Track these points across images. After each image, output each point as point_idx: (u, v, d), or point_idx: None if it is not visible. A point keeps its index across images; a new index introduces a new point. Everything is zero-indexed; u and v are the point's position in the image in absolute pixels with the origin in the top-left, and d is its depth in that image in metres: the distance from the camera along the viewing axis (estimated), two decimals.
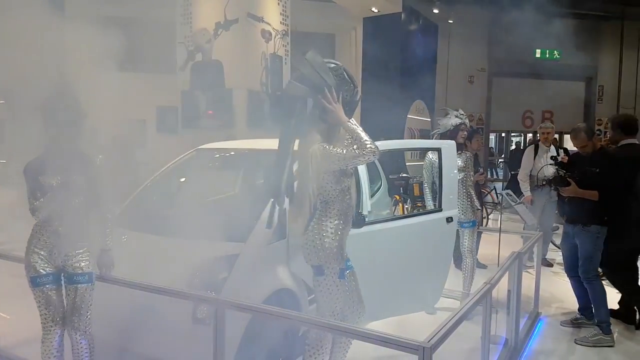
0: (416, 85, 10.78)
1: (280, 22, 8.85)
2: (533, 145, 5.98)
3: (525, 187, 5.70)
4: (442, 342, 1.92)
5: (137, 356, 2.79)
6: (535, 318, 4.24)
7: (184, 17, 8.37)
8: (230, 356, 2.52)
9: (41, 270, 2.52)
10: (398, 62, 10.48)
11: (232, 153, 4.01)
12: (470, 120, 17.77)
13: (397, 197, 6.21)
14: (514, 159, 11.25)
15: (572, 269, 4.07)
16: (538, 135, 6.02)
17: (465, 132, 4.30)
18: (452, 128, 4.30)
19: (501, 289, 3.28)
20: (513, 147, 16.20)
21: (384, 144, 3.62)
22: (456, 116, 4.32)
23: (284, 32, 8.90)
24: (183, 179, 3.68)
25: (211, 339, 2.37)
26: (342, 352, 2.68)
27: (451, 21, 13.64)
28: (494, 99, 16.03)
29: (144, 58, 6.65)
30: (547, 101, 15.62)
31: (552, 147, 5.90)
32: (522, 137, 16.91)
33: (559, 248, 6.81)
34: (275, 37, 8.68)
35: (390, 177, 6.50)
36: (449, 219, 3.61)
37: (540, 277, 4.33)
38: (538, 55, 15.75)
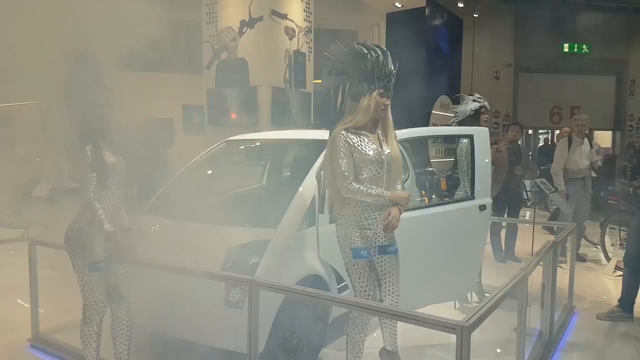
0: (441, 81, 10.64)
1: (304, 19, 8.87)
2: (567, 137, 5.82)
3: (559, 180, 5.54)
4: (481, 323, 1.89)
5: (169, 339, 2.83)
6: (569, 311, 4.12)
7: (209, 17, 8.49)
8: (262, 340, 2.53)
9: (101, 253, 2.52)
10: (422, 57, 10.36)
11: (261, 144, 4.04)
12: (495, 117, 17.11)
13: (423, 192, 6.13)
14: (543, 156, 11.03)
15: (634, 260, 3.97)
16: (572, 127, 5.84)
17: (487, 116, 3.99)
18: (472, 113, 3.98)
19: (535, 282, 3.20)
20: (541, 143, 15.81)
21: (414, 131, 3.58)
22: (474, 100, 4.00)
23: (307, 29, 8.91)
24: (214, 169, 3.72)
25: (239, 322, 2.39)
26: (390, 332, 2.67)
27: (476, 15, 13.41)
28: (521, 94, 15.69)
29: (171, 58, 6.76)
30: (576, 97, 15.20)
31: (586, 139, 5.73)
32: (550, 134, 16.49)
33: (592, 244, 6.64)
34: (298, 34, 8.70)
35: (416, 171, 6.43)
36: (482, 207, 3.55)
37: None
38: (566, 49, 15.34)
